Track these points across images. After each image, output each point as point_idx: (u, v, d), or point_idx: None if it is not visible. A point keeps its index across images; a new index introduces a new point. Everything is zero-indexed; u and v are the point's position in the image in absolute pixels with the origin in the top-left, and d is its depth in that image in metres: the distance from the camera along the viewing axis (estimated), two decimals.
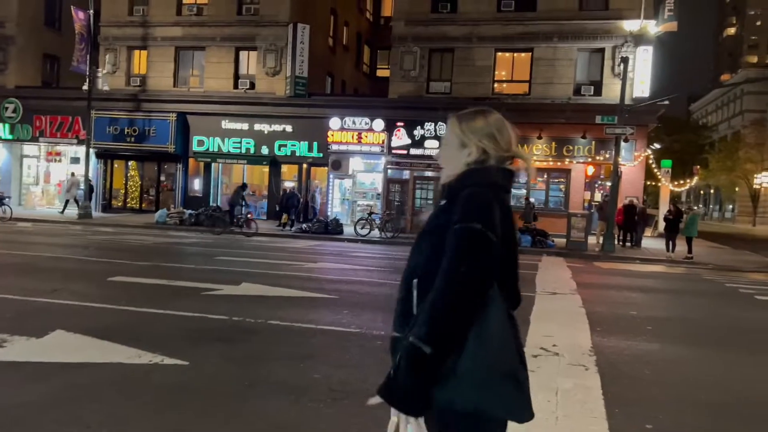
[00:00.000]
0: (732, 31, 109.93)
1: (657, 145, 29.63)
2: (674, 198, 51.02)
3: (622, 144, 19.55)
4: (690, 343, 6.76)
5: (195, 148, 25.87)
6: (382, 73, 34.65)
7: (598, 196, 23.19)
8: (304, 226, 21.29)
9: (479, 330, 1.73)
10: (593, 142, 22.48)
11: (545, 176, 23.74)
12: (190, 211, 22.37)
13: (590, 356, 5.69)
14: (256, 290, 8.52)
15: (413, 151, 23.58)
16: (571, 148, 22.87)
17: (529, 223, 20.15)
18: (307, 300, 8.05)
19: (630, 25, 22.28)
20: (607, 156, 21.80)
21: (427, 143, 23.47)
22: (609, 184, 21.87)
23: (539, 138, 22.83)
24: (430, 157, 23.19)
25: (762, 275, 14.52)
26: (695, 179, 43.92)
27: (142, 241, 15.62)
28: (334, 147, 24.19)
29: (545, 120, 22.57)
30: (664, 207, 26.11)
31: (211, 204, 24.47)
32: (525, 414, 1.77)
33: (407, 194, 23.64)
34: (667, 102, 22.20)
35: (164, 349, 5.26)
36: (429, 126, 23.51)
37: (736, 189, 55.85)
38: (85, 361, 4.92)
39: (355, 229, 20.36)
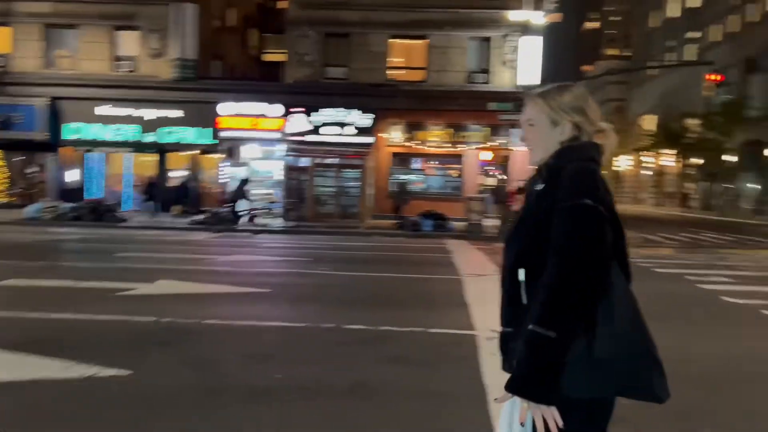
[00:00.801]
0: (592, 24, 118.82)
1: None
2: None
3: (513, 129, 20.45)
4: None
5: (68, 135, 23.67)
6: (272, 57, 33.69)
7: (491, 181, 24.11)
8: (198, 217, 20.27)
9: (607, 309, 1.65)
10: (487, 129, 23.28)
11: (442, 162, 24.29)
12: (68, 205, 20.49)
13: None
14: (176, 287, 7.92)
15: (312, 138, 23.16)
16: (464, 134, 23.55)
17: (399, 208, 20.46)
18: (239, 295, 7.61)
19: (516, 16, 23.22)
20: (502, 142, 22.68)
21: (326, 129, 23.17)
22: (502, 168, 22.92)
23: (436, 124, 23.32)
24: (329, 143, 22.92)
25: (647, 249, 15.81)
26: None
27: (18, 239, 14.05)
28: (228, 134, 23.19)
29: (441, 107, 23.04)
30: None
31: (93, 196, 22.57)
32: (665, 392, 1.71)
33: (308, 182, 23.20)
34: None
35: (96, 359, 4.69)
36: (328, 111, 23.18)
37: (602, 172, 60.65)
38: (6, 380, 4.27)
39: (252, 219, 19.62)
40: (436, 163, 24.39)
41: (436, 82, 23.76)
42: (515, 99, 19.93)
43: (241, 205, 19.75)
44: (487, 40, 23.68)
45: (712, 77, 20.19)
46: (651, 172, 52.64)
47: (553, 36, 25.14)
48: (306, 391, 4.26)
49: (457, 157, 23.97)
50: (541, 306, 1.61)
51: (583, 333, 1.61)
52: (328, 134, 23.08)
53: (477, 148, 23.55)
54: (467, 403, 4.12)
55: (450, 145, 23.67)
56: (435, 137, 23.63)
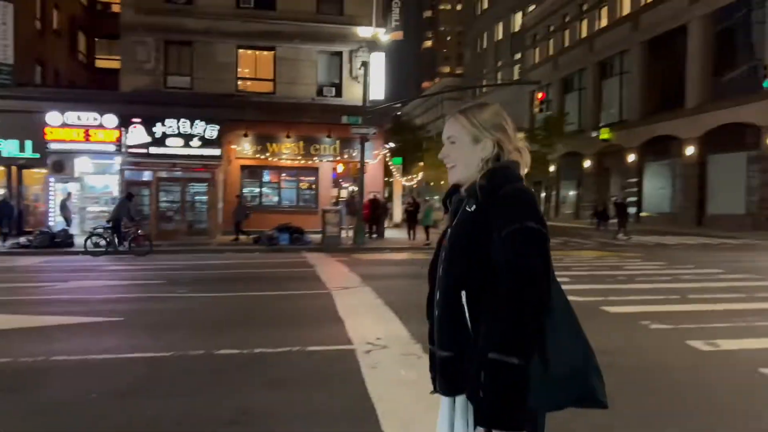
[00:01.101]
0: (429, 43, 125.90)
1: (392, 144, 32.41)
2: (411, 192, 56.15)
3: (366, 143, 20.86)
4: None
5: None
6: (104, 64, 31.28)
7: (344, 193, 24.40)
8: (22, 239, 18.08)
9: (552, 324, 1.68)
10: (337, 141, 23.54)
11: (295, 175, 24.10)
12: None
13: (415, 344, 5.94)
14: (10, 322, 6.93)
15: (154, 150, 21.76)
16: (317, 147, 23.61)
17: (240, 222, 20.04)
18: (88, 326, 6.83)
19: (363, 32, 23.81)
20: (354, 154, 23.03)
21: (170, 141, 21.91)
22: (353, 181, 23.26)
23: (288, 137, 23.11)
24: (174, 156, 21.71)
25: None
26: (421, 174, 49.17)
27: None
28: (55, 146, 21.01)
29: (292, 119, 22.91)
30: (397, 200, 28.72)
31: None
32: (606, 398, 1.75)
33: (151, 197, 21.70)
34: (399, 104, 24.39)
35: None
36: (171, 123, 21.94)
37: (441, 182, 64.21)
38: None
39: (87, 240, 17.59)
40: (289, 176, 24.15)
41: (285, 94, 23.57)
42: (365, 113, 20.39)
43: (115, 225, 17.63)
44: (338, 54, 24.03)
45: (539, 95, 22.25)
46: None
47: (397, 53, 26.10)
48: (185, 426, 3.92)
49: (310, 170, 23.95)
50: (499, 332, 1.61)
51: (538, 351, 1.63)
52: (173, 146, 21.85)
53: (330, 161, 23.70)
54: (358, 420, 4.04)
55: (302, 157, 23.57)
56: (287, 150, 23.39)
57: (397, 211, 28.81)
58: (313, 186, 24.31)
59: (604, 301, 8.20)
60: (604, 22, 39.11)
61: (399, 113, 40.36)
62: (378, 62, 23.63)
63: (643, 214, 33.94)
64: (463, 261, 1.77)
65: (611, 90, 38.56)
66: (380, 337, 6.19)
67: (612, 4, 38.02)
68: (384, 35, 23.96)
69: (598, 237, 23.59)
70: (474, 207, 1.79)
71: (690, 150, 29.95)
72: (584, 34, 41.51)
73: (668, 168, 32.80)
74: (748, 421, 4.04)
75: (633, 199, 35.06)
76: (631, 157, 34.85)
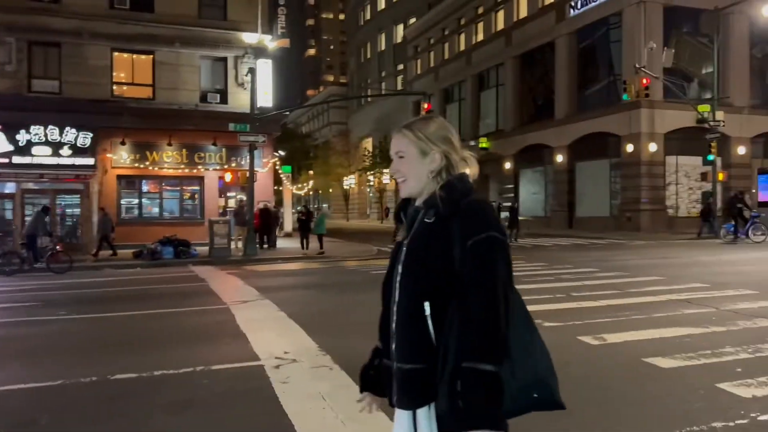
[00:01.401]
0: (313, 52, 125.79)
1: (281, 152, 31.92)
2: (302, 200, 55.31)
3: (255, 151, 20.40)
4: None
5: None
6: None
7: (232, 203, 23.67)
8: None
9: (514, 333, 1.73)
10: (223, 149, 22.82)
11: (178, 184, 23.03)
12: None
13: (324, 356, 5.87)
14: None
15: (18, 159, 19.89)
16: (202, 155, 22.74)
17: (107, 237, 18.91)
18: None
19: (248, 38, 23.32)
20: (242, 163, 22.41)
21: (37, 149, 20.16)
22: (242, 190, 22.67)
23: (169, 145, 22.06)
24: (41, 165, 19.99)
25: (384, 261, 17.16)
26: (311, 182, 48.88)
27: None
28: None
29: (174, 126, 21.90)
30: (288, 209, 28.31)
31: None
32: (561, 399, 1.80)
33: (14, 211, 19.79)
34: (288, 112, 24.09)
35: None
36: (37, 130, 20.20)
37: (330, 190, 64.30)
38: None
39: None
40: (171, 185, 23.05)
41: (166, 100, 22.49)
42: (254, 120, 19.95)
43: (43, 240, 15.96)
44: (222, 60, 23.32)
45: (425, 105, 22.94)
46: (372, 190, 57.43)
47: (281, 60, 25.78)
48: None
49: (195, 179, 22.99)
50: (470, 341, 1.64)
51: (506, 357, 1.68)
52: (39, 155, 20.11)
53: (216, 170, 22.91)
54: None
55: (186, 166, 22.59)
56: (169, 158, 22.31)
57: (288, 220, 28.41)
58: (198, 196, 23.36)
59: None
60: (480, 37, 41.17)
61: (285, 121, 39.85)
62: (265, 69, 23.21)
63: (520, 218, 36.02)
64: (424, 271, 1.78)
65: (489, 101, 40.66)
66: (288, 351, 6.05)
67: (487, 20, 40.14)
68: (270, 42, 23.62)
69: None
70: (433, 218, 1.80)
71: (560, 158, 32.27)
72: (462, 47, 43.46)
73: (541, 174, 35.09)
74: (639, 407, 4.39)
75: (509, 204, 37.13)
76: (508, 165, 36.92)
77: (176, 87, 22.68)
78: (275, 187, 26.94)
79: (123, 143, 21.63)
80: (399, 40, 56.67)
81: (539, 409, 1.77)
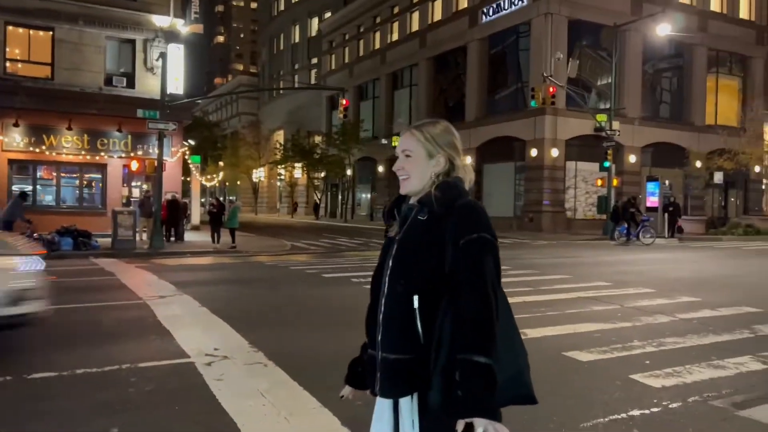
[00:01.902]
0: (222, 39, 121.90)
1: (191, 141, 30.71)
2: (209, 192, 53.33)
3: (165, 139, 19.56)
4: (317, 325, 7.49)
5: None
6: None
7: (137, 193, 22.56)
8: None
9: (499, 329, 1.81)
10: (129, 136, 21.72)
11: (79, 171, 21.64)
12: None
13: (257, 353, 5.78)
14: None
15: None
16: (106, 141, 21.53)
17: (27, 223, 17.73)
18: None
19: (160, 21, 22.27)
20: (150, 151, 21.41)
21: None
22: (147, 179, 21.66)
23: (69, 129, 20.70)
24: None
25: (303, 256, 17.01)
26: (221, 174, 47.36)
27: None
28: None
29: (75, 109, 20.57)
30: (196, 201, 27.34)
31: None
32: (534, 393, 1.90)
33: None
34: (200, 101, 23.27)
35: None
36: None
37: (238, 183, 62.72)
38: None
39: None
40: (70, 172, 21.64)
41: (67, 81, 21.08)
42: (163, 107, 19.11)
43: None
44: (131, 42, 22.14)
45: (343, 101, 22.94)
46: (283, 184, 56.62)
47: (193, 46, 24.85)
48: None
49: (97, 166, 21.72)
50: (464, 335, 1.72)
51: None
52: None
53: (121, 157, 21.74)
54: None
55: (87, 152, 21.28)
56: (68, 143, 20.92)
57: (196, 213, 27.44)
58: (100, 184, 22.08)
59: None
60: (395, 36, 41.70)
61: (195, 109, 38.38)
62: (176, 55, 22.28)
63: None
64: (414, 266, 1.85)
65: (402, 100, 41.29)
66: (218, 348, 5.91)
67: (402, 20, 40.72)
68: (183, 27, 22.72)
69: None
70: (427, 216, 1.87)
71: (468, 159, 33.30)
72: (377, 45, 43.83)
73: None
74: (565, 398, 4.68)
75: None
76: None
77: (78, 68, 21.29)
78: (184, 178, 25.96)
79: (16, 125, 20.02)
80: (314, 33, 56.20)
81: (517, 403, 1.87)
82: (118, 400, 4.44)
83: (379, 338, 1.91)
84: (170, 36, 22.18)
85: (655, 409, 4.38)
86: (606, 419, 4.19)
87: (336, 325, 7.31)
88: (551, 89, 24.44)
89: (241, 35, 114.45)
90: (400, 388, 1.87)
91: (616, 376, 5.16)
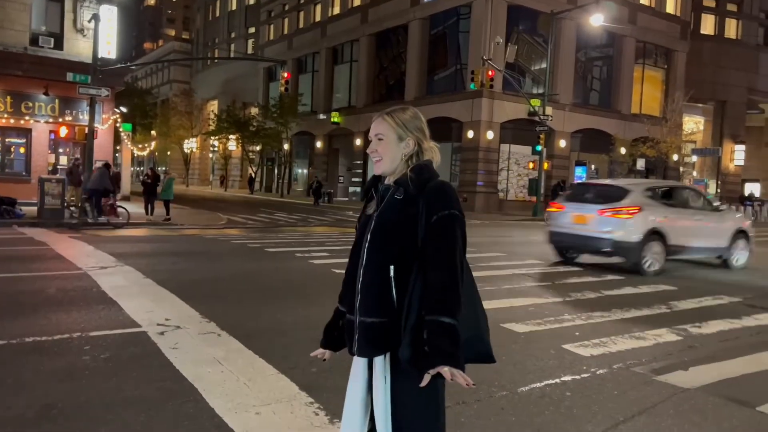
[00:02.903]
0: (152, 1, 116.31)
1: (123, 109, 29.43)
2: (139, 161, 50.99)
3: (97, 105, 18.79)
4: (267, 297, 7.60)
5: None
6: None
7: (64, 160, 21.59)
8: None
9: (467, 294, 2.06)
10: (57, 101, 20.73)
11: (0, 136, 20.48)
12: None
13: (209, 323, 5.87)
14: None
15: None
16: (31, 104, 20.47)
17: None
18: None
19: None
20: (81, 117, 20.49)
21: None
22: (75, 146, 20.78)
23: None
24: None
25: (241, 230, 16.87)
26: (154, 144, 45.55)
27: None
28: None
29: None
30: (127, 171, 26.40)
31: None
32: (493, 353, 2.16)
33: None
34: (134, 67, 22.41)
35: None
36: None
37: (168, 153, 60.71)
38: None
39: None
40: None
41: None
42: (95, 71, 18.33)
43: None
44: (59, 1, 20.95)
45: (285, 74, 22.64)
46: (216, 156, 55.26)
47: (122, 9, 23.73)
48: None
49: (21, 131, 20.63)
50: (433, 299, 1.95)
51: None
52: None
53: (48, 122, 20.71)
54: (182, 401, 3.93)
55: (10, 115, 20.15)
56: None
57: (126, 183, 26.49)
58: (24, 149, 20.99)
59: None
60: (336, 10, 41.26)
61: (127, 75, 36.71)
62: (109, 16, 21.29)
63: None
64: (391, 240, 2.07)
65: (342, 76, 41.06)
66: (169, 318, 5.95)
67: None
68: None
69: (332, 214, 25.19)
70: (403, 195, 2.09)
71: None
72: (318, 18, 43.25)
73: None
74: (504, 365, 5.04)
75: (358, 179, 38.11)
76: (358, 141, 37.75)
77: (1, 25, 20.00)
78: (117, 147, 25.00)
79: None
80: (252, 1, 54.72)
81: (477, 361, 2.13)
82: (75, 368, 4.46)
83: (357, 304, 2.13)
84: None
85: (584, 375, 4.82)
86: (542, 383, 4.58)
87: (284, 297, 7.46)
88: (490, 73, 25.03)
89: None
90: (375, 348, 2.10)
91: (550, 346, 5.60)
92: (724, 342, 5.99)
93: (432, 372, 1.91)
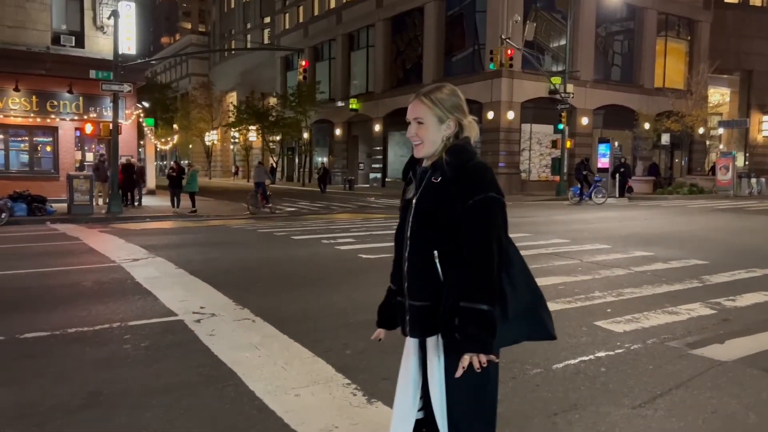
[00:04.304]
0: None
1: (145, 104, 29.80)
2: (162, 155, 51.34)
3: (120, 101, 19.04)
4: (297, 284, 7.69)
5: None
6: None
7: (90, 157, 21.96)
8: None
9: (510, 278, 2.07)
10: (81, 98, 21.03)
11: (28, 135, 20.87)
12: None
13: (242, 310, 5.97)
14: None
15: None
16: (56, 103, 20.79)
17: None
18: None
19: None
20: (104, 113, 20.79)
21: None
22: (103, 143, 21.12)
23: (16, 90, 19.89)
24: None
25: (266, 220, 17.04)
26: (176, 137, 45.99)
27: None
28: None
29: (21, 70, 19.75)
30: (151, 165, 26.77)
31: None
32: (554, 330, 2.19)
33: None
34: (155, 62, 22.62)
35: None
36: None
37: (190, 146, 61.30)
38: None
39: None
40: (18, 135, 20.86)
41: (11, 39, 20.13)
42: (117, 68, 18.55)
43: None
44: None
45: (303, 63, 22.66)
46: (237, 147, 55.62)
47: (138, 4, 23.90)
48: (30, 418, 3.49)
49: (47, 129, 21.01)
50: (471, 285, 1.95)
51: (499, 299, 2.01)
52: None
53: (73, 120, 21.05)
54: (222, 385, 4.01)
55: (36, 115, 20.52)
56: (15, 105, 20.12)
57: (152, 177, 26.87)
58: (51, 148, 21.38)
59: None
60: None
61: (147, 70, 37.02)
62: (128, 12, 21.47)
63: (388, 179, 37.13)
64: (433, 225, 2.06)
65: (359, 62, 40.89)
66: (204, 306, 6.07)
67: None
68: None
69: (354, 200, 25.27)
70: (440, 178, 2.08)
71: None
72: (333, 4, 43.04)
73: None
74: (536, 344, 5.02)
75: (378, 165, 38.10)
76: (377, 127, 37.68)
77: (23, 26, 20.32)
78: (140, 141, 25.35)
79: None
80: None
81: (535, 338, 2.17)
82: (117, 357, 4.59)
83: (406, 288, 2.15)
84: None
85: (618, 351, 4.81)
86: (576, 360, 4.59)
87: (314, 283, 7.54)
88: (509, 52, 24.74)
89: None
90: (424, 330, 2.12)
91: (582, 323, 5.59)
92: (759, 314, 5.92)
93: (465, 364, 1.95)
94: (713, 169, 30.82)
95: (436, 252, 2.04)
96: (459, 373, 1.96)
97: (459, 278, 1.98)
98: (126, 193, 20.92)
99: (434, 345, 2.12)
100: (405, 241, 2.15)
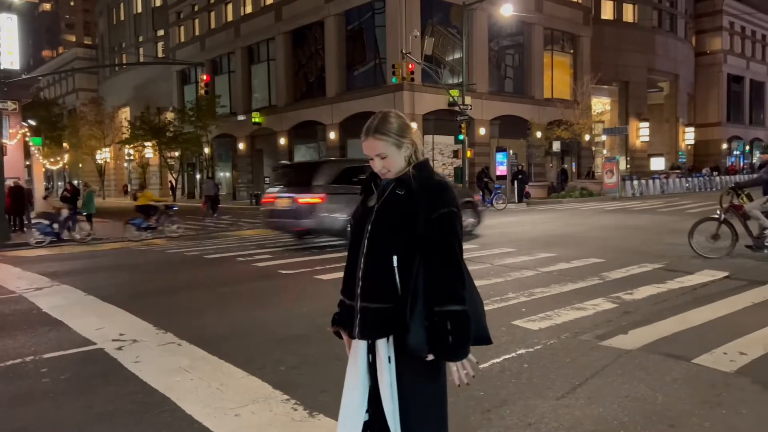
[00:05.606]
0: (48, 6, 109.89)
1: (31, 122, 27.75)
2: (48, 176, 47.56)
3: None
4: (217, 305, 7.53)
5: None
6: None
7: None
8: None
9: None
10: None
11: None
12: None
13: (165, 334, 5.81)
14: None
15: None
16: None
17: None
18: None
19: None
20: None
21: None
22: None
23: None
24: None
25: (172, 240, 16.41)
26: (67, 156, 42.85)
27: None
28: None
29: None
30: (39, 186, 24.98)
31: None
32: (490, 335, 2.38)
33: None
34: (40, 77, 21.25)
35: None
36: None
37: (80, 165, 57.76)
38: None
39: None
40: None
41: None
42: (2, 85, 17.30)
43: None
44: None
45: (204, 77, 22.13)
46: (132, 165, 53.03)
47: (18, 15, 22.42)
48: None
49: None
50: (440, 290, 2.13)
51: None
52: None
53: None
54: (157, 412, 3.94)
55: None
56: None
57: (40, 200, 25.08)
58: None
59: (314, 271, 9.17)
60: (249, 9, 40.51)
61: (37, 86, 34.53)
62: (9, 26, 20.08)
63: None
64: (393, 232, 2.22)
65: (260, 75, 40.42)
66: (123, 333, 5.84)
67: None
68: None
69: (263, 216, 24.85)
70: (404, 191, 2.25)
71: (332, 134, 33.75)
72: (231, 18, 42.31)
73: (315, 150, 36.27)
74: (471, 350, 5.31)
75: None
76: (282, 140, 37.38)
77: None
78: (27, 162, 23.62)
79: None
80: (158, 3, 52.78)
81: (477, 343, 2.32)
82: (38, 391, 4.36)
83: (359, 291, 2.28)
84: (2, 5, 19.92)
85: (537, 347, 5.16)
86: (500, 359, 4.88)
87: (236, 302, 7.45)
88: (410, 66, 25.45)
89: (71, 3, 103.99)
90: (378, 331, 2.25)
91: (501, 324, 5.92)
92: (654, 305, 6.53)
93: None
94: (590, 174, 33.81)
95: (395, 257, 2.19)
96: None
97: (429, 282, 2.14)
98: (14, 217, 19.46)
99: (384, 347, 2.24)
100: (362, 246, 2.28)
